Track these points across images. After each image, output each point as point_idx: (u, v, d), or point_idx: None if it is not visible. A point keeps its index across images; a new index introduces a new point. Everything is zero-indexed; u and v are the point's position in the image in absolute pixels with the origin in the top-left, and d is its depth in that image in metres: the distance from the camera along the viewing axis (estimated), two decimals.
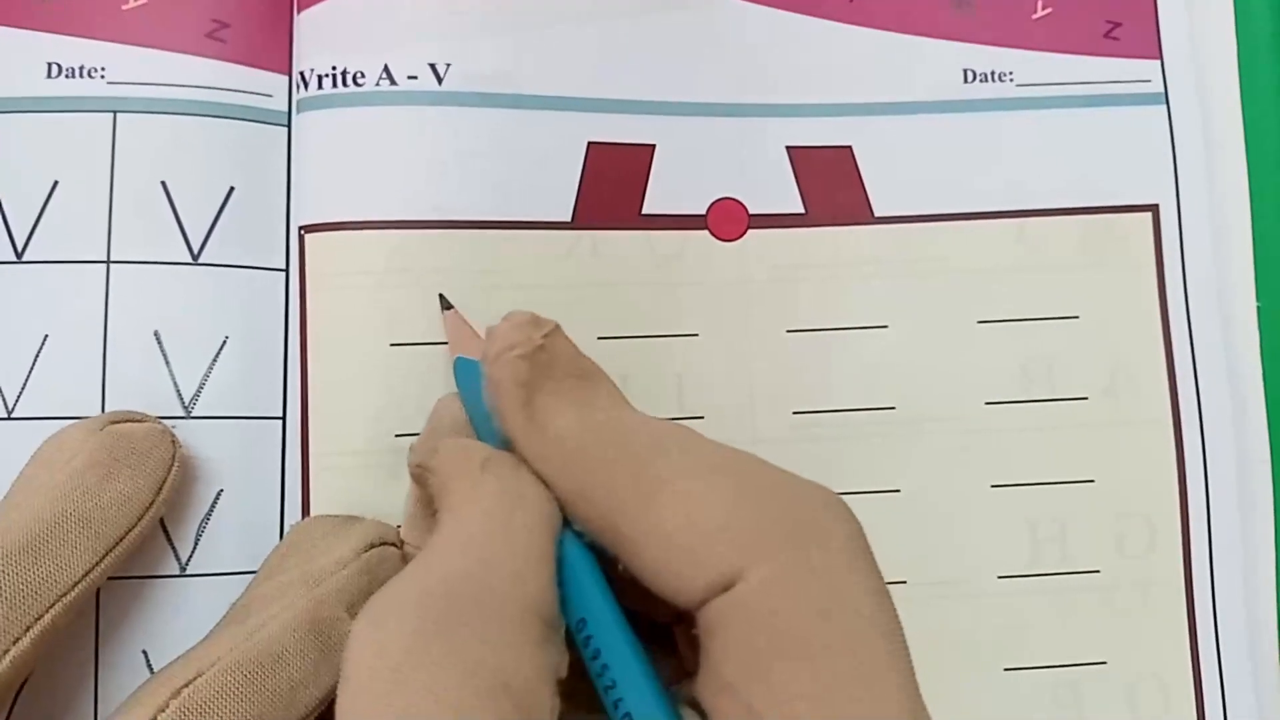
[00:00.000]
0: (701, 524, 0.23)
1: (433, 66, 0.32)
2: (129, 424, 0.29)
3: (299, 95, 0.33)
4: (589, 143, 0.33)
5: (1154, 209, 0.36)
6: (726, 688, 0.22)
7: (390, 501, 0.31)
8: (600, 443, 0.25)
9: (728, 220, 0.34)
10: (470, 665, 0.21)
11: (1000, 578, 0.34)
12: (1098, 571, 0.34)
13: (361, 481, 0.31)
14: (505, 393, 0.26)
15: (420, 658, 0.21)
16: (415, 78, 0.32)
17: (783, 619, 0.22)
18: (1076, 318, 0.35)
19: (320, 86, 0.32)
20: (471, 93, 0.32)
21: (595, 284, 0.33)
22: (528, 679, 0.22)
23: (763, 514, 0.23)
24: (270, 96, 0.33)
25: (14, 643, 0.25)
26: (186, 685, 0.24)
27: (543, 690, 0.22)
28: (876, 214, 0.34)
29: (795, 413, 0.33)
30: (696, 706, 0.23)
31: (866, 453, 0.33)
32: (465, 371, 0.29)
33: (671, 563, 0.23)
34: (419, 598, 0.22)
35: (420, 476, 0.27)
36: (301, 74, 0.33)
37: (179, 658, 0.26)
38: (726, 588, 0.22)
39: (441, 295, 0.31)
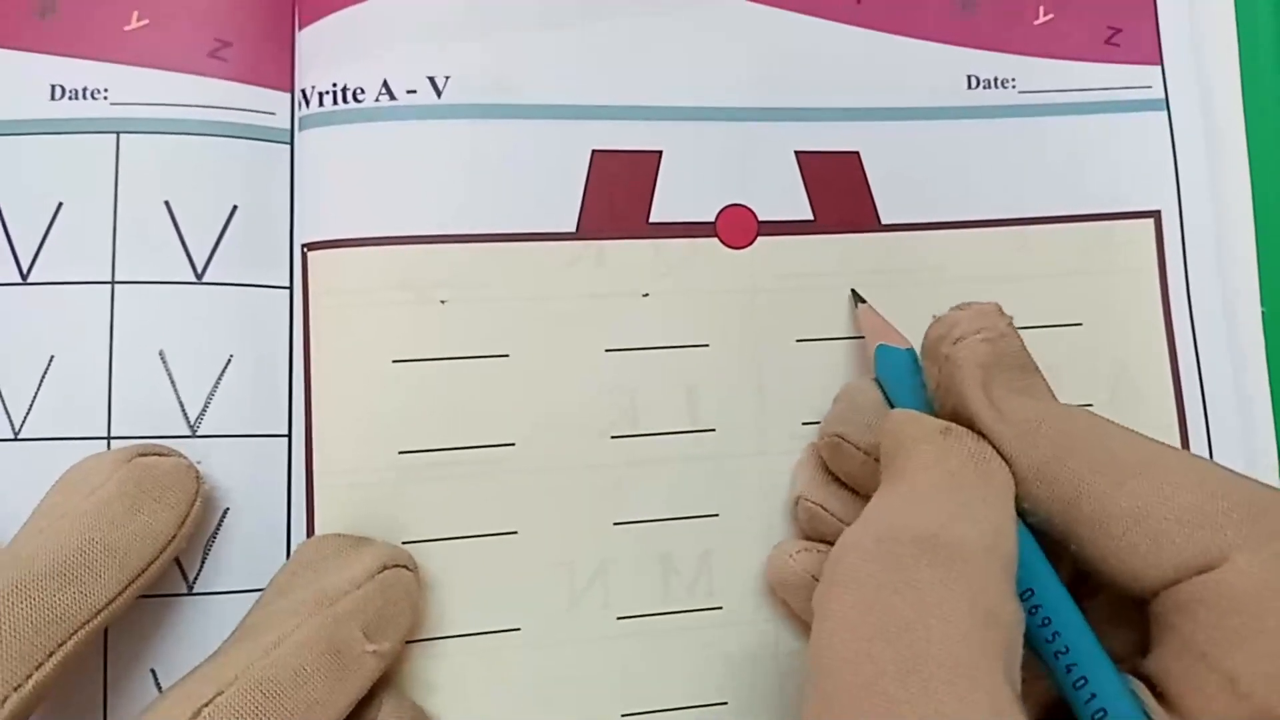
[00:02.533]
0: (1178, 508, 0.25)
1: (431, 80, 0.32)
2: (156, 457, 0.29)
3: (301, 113, 0.33)
4: (593, 151, 0.33)
5: (1156, 215, 0.35)
6: (1201, 658, 0.24)
7: (396, 517, 0.31)
8: (1065, 426, 0.26)
9: (737, 227, 0.34)
10: (969, 593, 0.22)
11: None
12: None
13: (366, 498, 0.31)
14: (968, 373, 0.27)
15: (920, 581, 0.23)
16: (414, 91, 0.32)
17: (1266, 600, 0.23)
18: (1080, 325, 0.34)
19: (321, 104, 0.32)
20: (470, 104, 0.32)
21: (601, 295, 0.33)
22: (1009, 622, 0.23)
23: (1240, 505, 0.24)
24: (273, 114, 0.33)
25: (37, 668, 0.25)
26: (207, 704, 0.25)
27: (1019, 635, 0.23)
28: (883, 222, 0.34)
29: (805, 423, 0.33)
30: (1140, 678, 0.25)
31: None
32: (890, 359, 0.31)
33: (1141, 544, 0.25)
34: (898, 534, 0.24)
35: (835, 445, 0.30)
36: (303, 91, 0.33)
37: (192, 673, 0.26)
38: (1203, 569, 0.24)
39: (854, 291, 0.33)
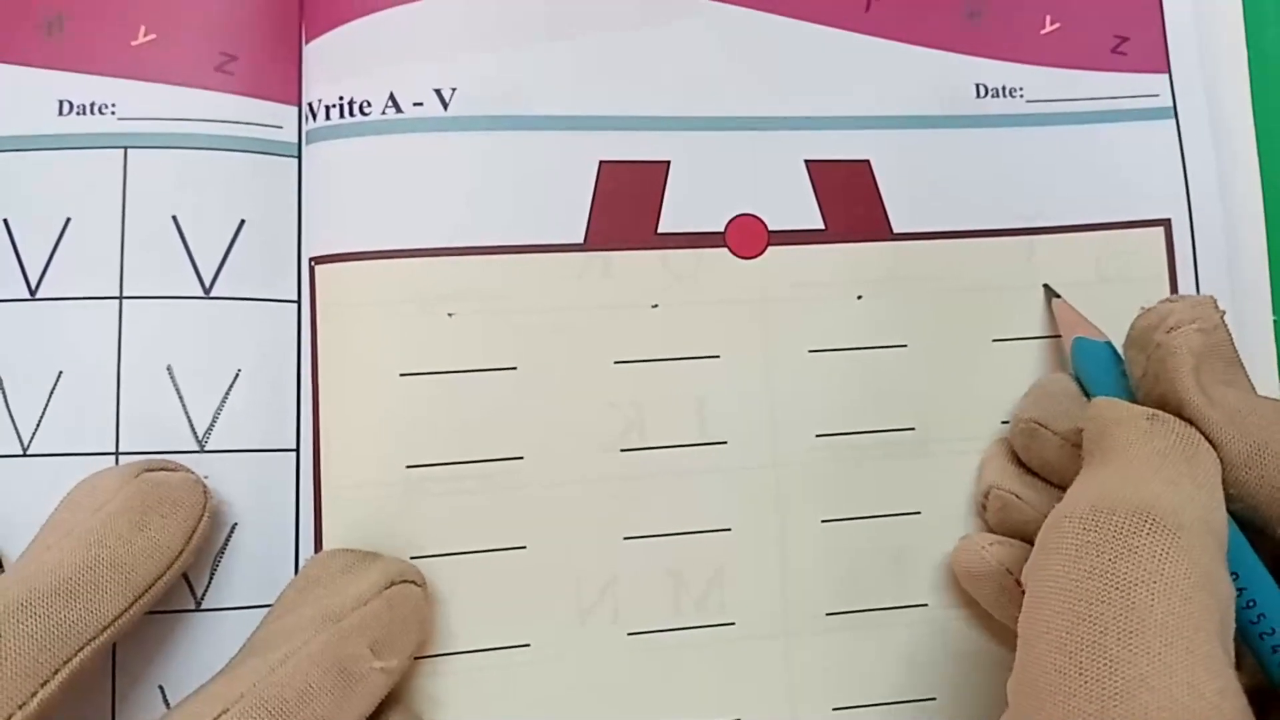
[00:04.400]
0: None
1: (438, 92, 0.32)
2: (163, 473, 0.29)
3: (308, 126, 0.32)
4: (600, 161, 0.33)
5: (1166, 224, 0.35)
6: None
7: (404, 532, 0.31)
8: (1275, 416, 0.27)
9: (747, 237, 0.33)
10: (1188, 561, 0.23)
11: None
12: None
13: (374, 512, 0.31)
14: (1181, 360, 0.28)
15: (1141, 547, 0.23)
16: (421, 104, 0.32)
17: None
18: None
19: (328, 117, 0.32)
20: (478, 116, 0.32)
21: (609, 306, 0.32)
22: (1224, 596, 0.23)
23: None
24: (280, 128, 0.33)
25: (42, 685, 0.24)
26: None
27: (1231, 612, 0.24)
28: (895, 230, 0.34)
29: (818, 435, 0.33)
30: None
31: (888, 475, 0.33)
32: (1088, 351, 0.31)
33: None
34: (1115, 505, 0.24)
35: (1031, 430, 0.31)
36: (310, 105, 0.32)
37: (198, 691, 0.26)
38: None
39: (1047, 286, 0.34)
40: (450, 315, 0.31)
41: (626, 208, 0.33)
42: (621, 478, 0.32)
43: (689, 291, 0.33)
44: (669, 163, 0.33)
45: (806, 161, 0.34)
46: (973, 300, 0.34)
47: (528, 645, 0.31)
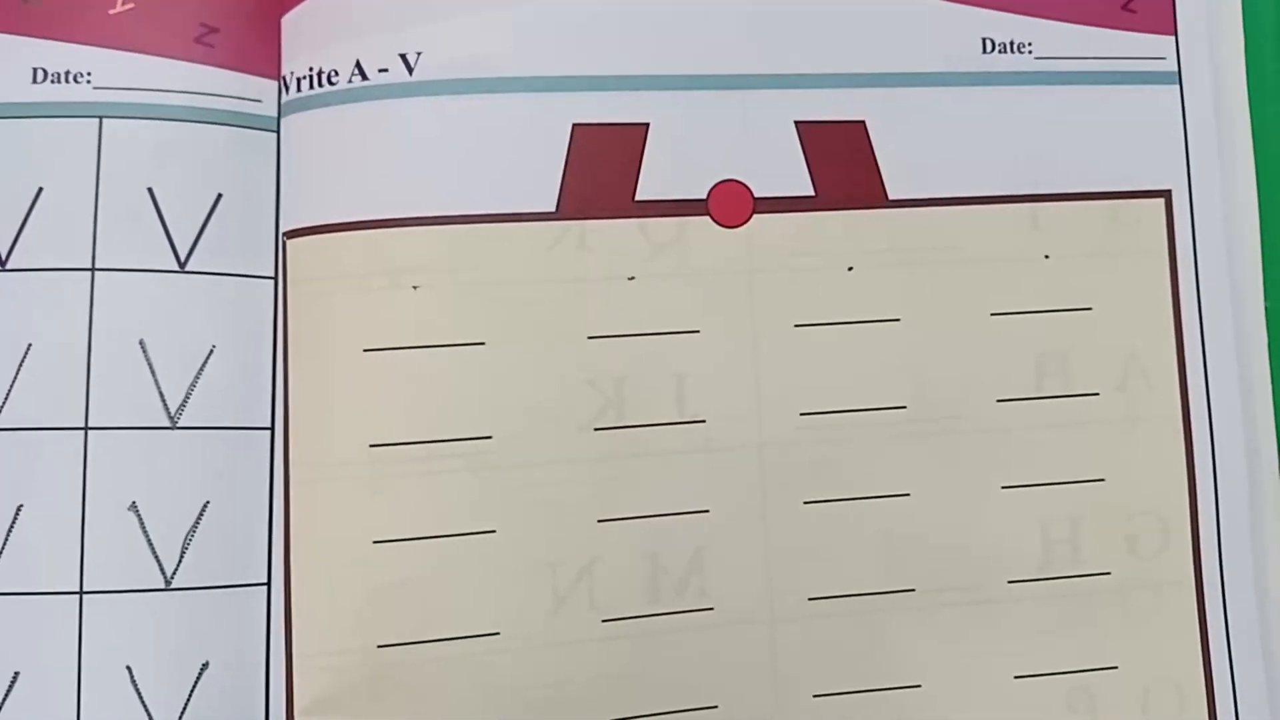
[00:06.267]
0: None
1: (403, 57, 0.31)
2: None
3: (284, 99, 0.32)
4: (574, 125, 0.32)
5: (1167, 195, 0.33)
6: None
7: (368, 515, 0.30)
8: None
9: (731, 204, 0.32)
10: None
11: (1011, 582, 0.32)
12: (1109, 573, 0.32)
13: (339, 494, 0.30)
14: None
15: None
16: (386, 70, 0.31)
17: None
18: (1090, 309, 0.33)
19: (299, 89, 0.32)
20: (444, 80, 0.31)
21: (584, 278, 0.31)
22: None
23: None
24: (259, 102, 0.32)
25: None
26: None
27: None
28: (891, 197, 0.32)
29: (803, 414, 0.31)
30: None
31: (876, 456, 0.32)
32: None
33: None
34: None
35: None
36: (284, 78, 0.32)
37: None
38: None
39: None
40: (415, 288, 0.30)
41: (602, 174, 0.32)
42: (596, 458, 0.31)
43: (669, 263, 0.32)
44: (648, 125, 0.32)
45: (796, 123, 0.32)
46: (972, 272, 0.32)
47: (497, 634, 0.30)
